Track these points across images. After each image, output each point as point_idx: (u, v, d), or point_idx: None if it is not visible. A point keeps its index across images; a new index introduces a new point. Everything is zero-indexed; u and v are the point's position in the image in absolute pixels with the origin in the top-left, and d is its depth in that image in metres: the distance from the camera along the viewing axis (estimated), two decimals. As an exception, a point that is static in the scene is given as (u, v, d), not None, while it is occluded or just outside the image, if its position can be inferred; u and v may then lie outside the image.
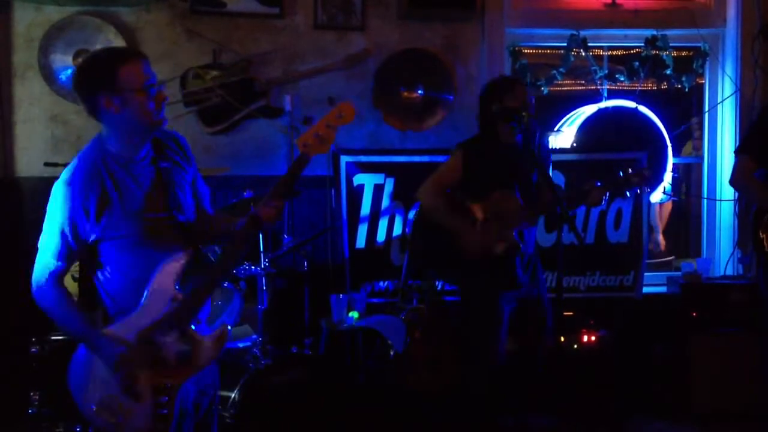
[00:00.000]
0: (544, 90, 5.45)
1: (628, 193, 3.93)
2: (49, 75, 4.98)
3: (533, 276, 4.08)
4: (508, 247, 3.88)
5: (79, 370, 2.66)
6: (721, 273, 5.53)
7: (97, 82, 2.57)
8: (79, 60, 4.92)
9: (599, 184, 3.88)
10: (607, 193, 3.91)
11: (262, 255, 4.38)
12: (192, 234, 2.72)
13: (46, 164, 4.61)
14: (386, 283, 5.01)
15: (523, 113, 3.78)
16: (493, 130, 4.01)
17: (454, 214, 3.97)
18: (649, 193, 5.30)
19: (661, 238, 6.62)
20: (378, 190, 5.05)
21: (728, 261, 5.53)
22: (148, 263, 2.62)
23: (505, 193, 3.93)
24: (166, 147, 2.77)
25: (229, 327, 2.63)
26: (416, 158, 5.10)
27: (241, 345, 4.25)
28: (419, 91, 5.27)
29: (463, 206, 3.93)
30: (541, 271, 4.16)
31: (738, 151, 4.23)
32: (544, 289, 4.16)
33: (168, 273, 2.60)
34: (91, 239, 2.63)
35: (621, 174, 3.88)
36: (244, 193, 4.39)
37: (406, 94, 5.28)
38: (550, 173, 4.21)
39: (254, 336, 4.33)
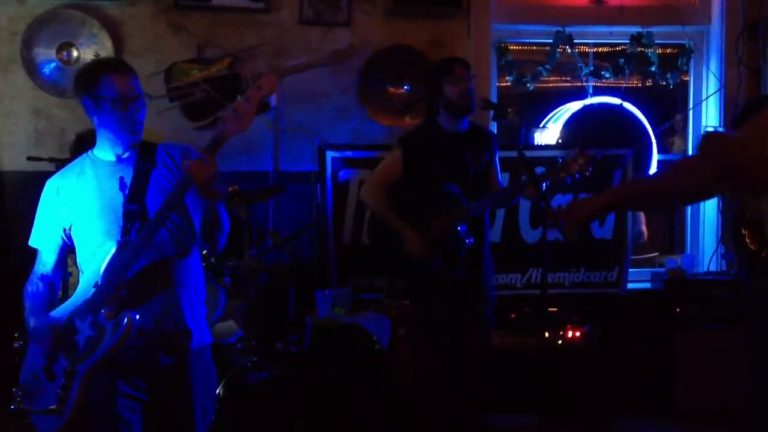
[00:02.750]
0: (530, 86, 5.46)
1: (569, 180, 3.85)
2: (32, 69, 4.94)
3: (478, 266, 4.03)
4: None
5: (28, 350, 2.80)
6: (705, 269, 5.56)
7: (81, 86, 2.75)
8: (63, 53, 4.91)
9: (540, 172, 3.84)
10: (545, 183, 3.86)
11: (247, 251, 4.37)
12: (141, 225, 2.70)
13: (29, 158, 4.57)
14: (372, 279, 4.99)
15: (509, 109, 3.77)
16: (434, 119, 3.98)
17: (394, 216, 3.95)
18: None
19: (644, 228, 6.60)
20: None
21: (712, 257, 5.56)
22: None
23: (443, 222, 3.89)
24: (161, 154, 2.82)
25: (137, 317, 2.61)
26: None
27: (225, 341, 4.23)
28: (405, 87, 5.27)
29: (398, 227, 3.93)
30: (491, 269, 4.14)
31: None
32: (489, 284, 4.13)
33: (98, 261, 2.66)
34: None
35: (560, 161, 3.85)
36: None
37: (392, 90, 5.28)
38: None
39: (239, 332, 4.31)
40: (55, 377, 2.65)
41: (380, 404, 4.26)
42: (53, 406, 2.61)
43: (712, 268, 5.54)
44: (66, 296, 3.72)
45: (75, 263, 3.80)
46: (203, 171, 2.54)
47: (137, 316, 2.58)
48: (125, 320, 2.56)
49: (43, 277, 2.83)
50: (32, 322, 2.75)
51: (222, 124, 2.61)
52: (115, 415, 2.66)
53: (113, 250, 2.63)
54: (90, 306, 2.63)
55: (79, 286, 2.72)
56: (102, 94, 2.68)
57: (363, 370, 4.38)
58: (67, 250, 2.84)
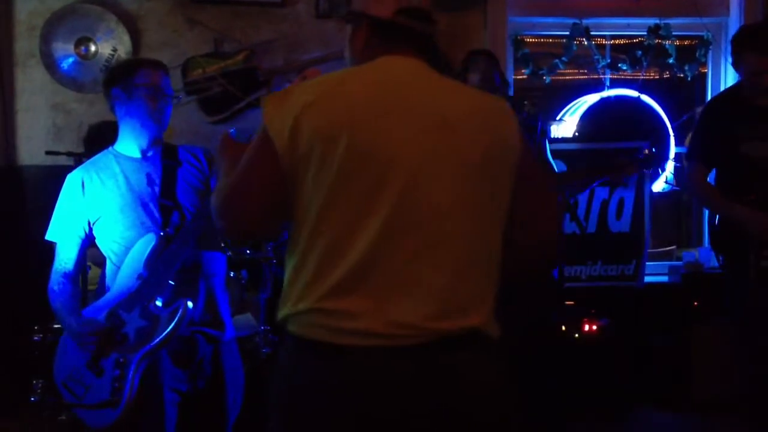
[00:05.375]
0: (547, 79, 5.44)
1: (626, 181, 3.82)
2: (50, 63, 4.97)
3: None
4: None
5: (59, 348, 2.83)
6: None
7: (116, 77, 2.86)
8: (81, 48, 4.94)
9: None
10: (596, 180, 3.83)
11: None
12: (177, 221, 2.76)
13: (48, 153, 4.60)
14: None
15: (525, 102, 3.76)
16: None
17: None
18: (651, 182, 5.28)
19: None
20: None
21: (730, 251, 5.51)
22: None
23: None
24: (183, 154, 2.92)
25: (190, 305, 2.64)
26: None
27: (242, 334, 4.25)
28: (421, 80, 5.25)
29: None
30: None
31: (686, 158, 4.01)
32: None
33: (137, 253, 2.71)
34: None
35: (641, 156, 3.79)
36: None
37: (407, 83, 5.26)
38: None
39: (260, 327, 4.32)
40: (103, 371, 2.67)
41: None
42: (108, 399, 2.64)
43: (731, 261, 5.49)
44: (85, 291, 3.75)
45: (91, 259, 3.83)
46: None
47: (190, 305, 2.62)
48: (181, 308, 2.61)
49: (66, 275, 2.84)
50: (71, 323, 2.77)
51: None
52: (163, 408, 2.70)
53: (153, 243, 2.68)
54: (136, 297, 2.67)
55: (119, 278, 2.74)
56: (137, 82, 2.79)
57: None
58: (88, 245, 2.87)
